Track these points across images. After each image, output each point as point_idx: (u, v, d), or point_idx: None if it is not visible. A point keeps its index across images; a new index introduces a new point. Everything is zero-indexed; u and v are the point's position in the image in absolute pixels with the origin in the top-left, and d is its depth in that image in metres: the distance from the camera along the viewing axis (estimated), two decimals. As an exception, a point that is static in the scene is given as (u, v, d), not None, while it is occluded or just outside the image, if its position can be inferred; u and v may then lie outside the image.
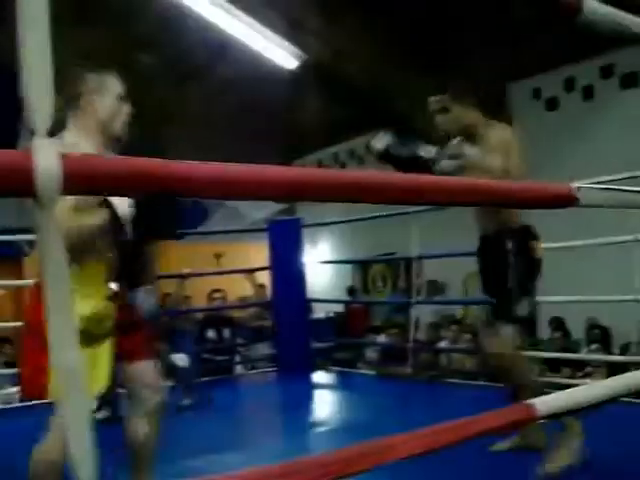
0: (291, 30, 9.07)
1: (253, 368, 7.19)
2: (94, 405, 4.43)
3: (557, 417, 1.45)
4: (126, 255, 2.45)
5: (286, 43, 9.39)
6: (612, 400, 1.59)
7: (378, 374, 6.53)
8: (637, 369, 1.99)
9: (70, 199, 2.06)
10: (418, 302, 6.60)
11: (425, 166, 2.94)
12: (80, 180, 0.88)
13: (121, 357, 2.45)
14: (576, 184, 1.51)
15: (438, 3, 8.06)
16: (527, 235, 3.18)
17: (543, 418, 1.42)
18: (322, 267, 11.34)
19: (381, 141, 3.00)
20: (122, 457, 2.52)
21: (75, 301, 2.20)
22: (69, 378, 0.92)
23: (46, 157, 0.85)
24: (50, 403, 2.08)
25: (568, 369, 5.92)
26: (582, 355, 6.05)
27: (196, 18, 9.05)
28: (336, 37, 8.95)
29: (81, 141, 2.30)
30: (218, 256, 8.83)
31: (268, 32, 9.24)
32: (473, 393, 5.38)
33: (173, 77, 10.48)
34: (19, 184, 0.84)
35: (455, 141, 3.32)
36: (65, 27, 8.85)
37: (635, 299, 4.72)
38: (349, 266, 12.18)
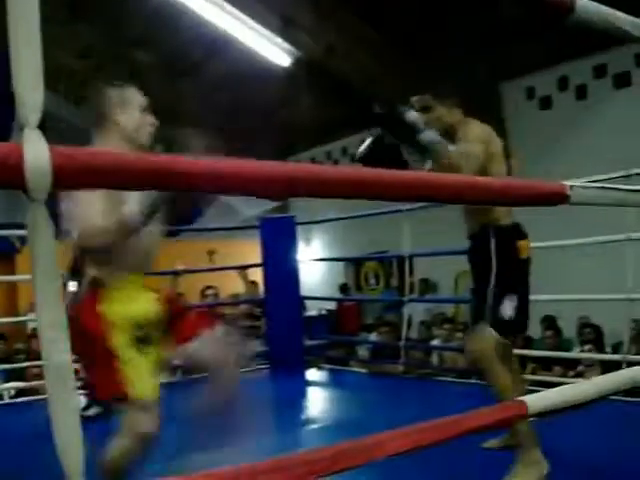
0: (284, 27, 9.06)
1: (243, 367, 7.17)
2: (83, 402, 4.42)
3: (547, 415, 1.45)
4: None
5: (279, 40, 9.37)
6: (602, 398, 1.60)
7: (370, 372, 6.53)
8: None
9: (97, 203, 2.15)
10: (411, 300, 6.60)
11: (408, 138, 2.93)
12: (71, 173, 0.87)
13: (180, 338, 2.51)
14: (568, 182, 1.52)
15: (431, 2, 8.06)
16: (513, 234, 3.15)
17: (533, 416, 1.42)
18: (315, 264, 11.34)
19: (361, 146, 3.02)
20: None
21: (125, 308, 2.22)
22: (58, 375, 0.92)
23: (36, 150, 0.84)
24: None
25: (560, 368, 5.94)
26: (574, 354, 6.07)
27: (190, 15, 9.03)
28: (329, 34, 8.94)
29: None
30: (211, 253, 8.81)
31: (261, 29, 9.23)
32: (465, 391, 5.38)
33: (166, 74, 10.46)
34: (9, 177, 0.84)
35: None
36: (60, 25, 8.87)
37: (627, 298, 4.74)
38: (342, 264, 12.18)
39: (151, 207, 2.15)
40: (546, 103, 8.93)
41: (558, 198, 1.45)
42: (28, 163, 0.83)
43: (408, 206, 5.64)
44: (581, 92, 8.50)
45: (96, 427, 2.26)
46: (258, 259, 6.70)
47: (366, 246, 10.40)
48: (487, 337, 3.00)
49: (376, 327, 8.05)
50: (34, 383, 5.70)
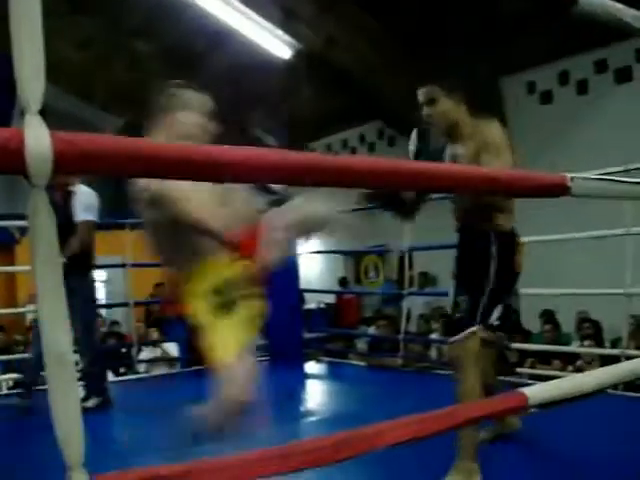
0: (285, 19, 9.04)
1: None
2: (82, 394, 4.43)
3: (548, 406, 1.45)
4: None
5: (280, 32, 9.35)
6: (601, 390, 1.60)
7: (369, 365, 6.54)
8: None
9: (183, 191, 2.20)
10: (410, 293, 6.60)
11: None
12: (71, 159, 0.87)
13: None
14: (569, 174, 1.51)
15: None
16: (513, 243, 3.14)
17: (534, 407, 1.42)
18: (314, 258, 11.34)
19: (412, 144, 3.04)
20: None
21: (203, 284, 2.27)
22: (59, 362, 0.92)
23: (37, 135, 0.84)
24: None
25: (558, 362, 5.94)
26: (573, 348, 6.08)
27: (191, 6, 9.00)
28: (329, 26, 8.92)
29: None
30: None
31: (262, 21, 9.20)
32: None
33: (166, 65, 10.44)
34: (10, 162, 0.84)
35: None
36: (60, 16, 8.85)
37: (626, 293, 4.73)
38: (341, 257, 12.17)
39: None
40: (547, 98, 8.92)
41: (559, 189, 1.45)
42: (29, 148, 0.83)
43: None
44: (582, 87, 8.49)
45: (97, 418, 2.27)
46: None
47: (366, 239, 10.38)
48: (474, 337, 2.97)
49: (375, 320, 8.06)
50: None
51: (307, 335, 6.93)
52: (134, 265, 6.30)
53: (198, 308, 2.35)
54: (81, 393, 4.40)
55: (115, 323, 9.09)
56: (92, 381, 4.63)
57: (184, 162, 0.98)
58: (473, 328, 2.96)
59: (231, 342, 2.35)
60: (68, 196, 4.48)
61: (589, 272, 7.10)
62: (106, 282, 12.68)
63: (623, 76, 8.06)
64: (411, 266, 6.72)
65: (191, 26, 9.45)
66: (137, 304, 7.09)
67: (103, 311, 10.45)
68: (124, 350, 7.07)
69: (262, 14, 9.08)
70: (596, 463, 2.96)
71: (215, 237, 2.30)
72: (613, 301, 4.97)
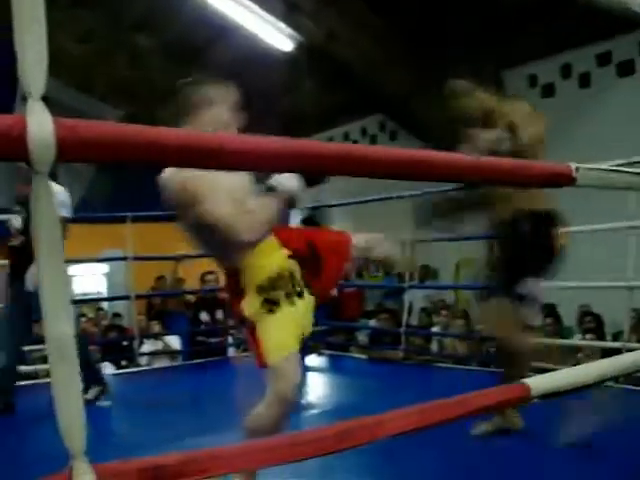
0: (287, 12, 9.02)
1: (246, 350, 7.19)
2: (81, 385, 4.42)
3: (551, 397, 1.44)
4: None
5: (282, 25, 9.32)
6: (603, 381, 1.60)
7: (370, 358, 6.54)
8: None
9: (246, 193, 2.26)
10: (411, 287, 6.60)
11: None
12: (74, 146, 0.86)
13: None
14: (574, 164, 1.51)
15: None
16: (548, 220, 3.16)
17: (537, 398, 1.42)
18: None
19: None
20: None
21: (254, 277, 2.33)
22: (59, 348, 0.91)
23: (39, 122, 0.84)
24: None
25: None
26: (574, 341, 6.08)
27: (192, -1, 8.98)
28: (331, 19, 8.90)
29: None
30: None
31: (264, 13, 9.17)
32: (465, 377, 5.40)
33: (168, 59, 10.43)
34: (12, 149, 0.83)
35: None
36: (60, 9, 8.83)
37: (627, 286, 4.73)
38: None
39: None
40: (549, 91, 8.89)
41: (564, 179, 1.45)
42: (32, 134, 0.83)
43: (411, 192, 5.62)
44: (584, 80, 8.46)
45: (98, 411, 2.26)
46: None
47: (367, 232, 10.38)
48: (502, 308, 3.03)
49: (376, 314, 8.06)
50: (35, 367, 5.72)
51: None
52: (135, 258, 6.31)
53: (249, 303, 2.36)
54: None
55: (117, 316, 9.10)
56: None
57: (187, 149, 0.98)
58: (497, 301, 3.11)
59: (283, 338, 2.38)
60: None
61: (591, 265, 7.10)
62: (107, 275, 12.71)
63: (626, 69, 8.04)
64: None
65: (192, 19, 9.43)
66: (138, 297, 7.09)
67: (105, 304, 10.48)
68: (125, 343, 7.08)
69: (264, 7, 9.05)
70: (597, 456, 2.96)
71: (240, 240, 2.29)
72: (615, 295, 4.97)
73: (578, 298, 7.09)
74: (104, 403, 4.55)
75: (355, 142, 11.57)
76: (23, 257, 4.27)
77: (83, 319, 8.57)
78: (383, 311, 7.93)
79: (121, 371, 6.34)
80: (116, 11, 9.62)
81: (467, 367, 5.91)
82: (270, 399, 2.31)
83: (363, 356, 6.71)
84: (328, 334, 7.75)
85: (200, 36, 9.87)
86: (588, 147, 7.49)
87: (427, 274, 10.02)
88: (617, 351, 4.63)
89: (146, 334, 7.00)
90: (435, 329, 7.32)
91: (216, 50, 9.83)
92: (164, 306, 8.21)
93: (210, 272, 7.53)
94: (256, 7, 9.04)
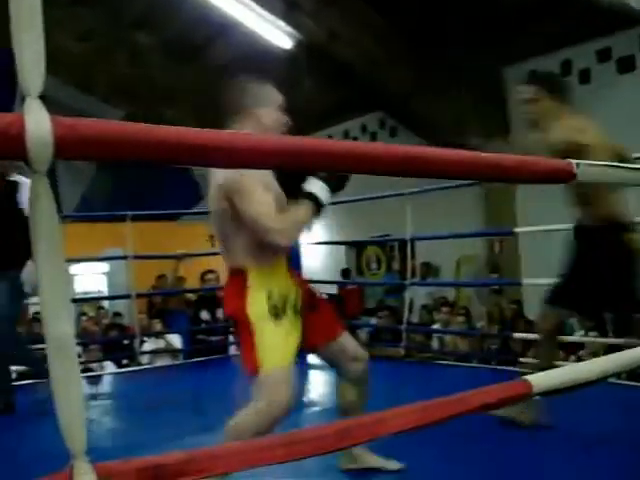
0: (287, 10, 9.01)
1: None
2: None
3: (552, 394, 1.44)
4: None
5: (282, 23, 9.31)
6: (605, 378, 1.59)
7: (371, 355, 6.52)
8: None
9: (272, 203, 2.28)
10: (413, 284, 6.59)
11: None
12: (73, 144, 0.86)
13: (319, 338, 2.62)
14: (574, 161, 1.50)
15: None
16: (623, 229, 3.19)
17: (538, 394, 1.42)
18: (316, 248, 11.33)
19: None
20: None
21: (265, 287, 2.34)
22: (61, 350, 0.91)
23: (37, 120, 0.83)
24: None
25: (561, 352, 5.94)
26: (575, 337, 6.07)
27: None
28: (332, 18, 8.89)
29: None
30: (212, 237, 8.83)
31: (263, 12, 9.16)
32: (466, 374, 5.40)
33: (168, 57, 10.43)
34: (10, 147, 0.83)
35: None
36: (60, 8, 8.82)
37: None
38: (343, 248, 12.17)
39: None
40: (549, 87, 8.87)
41: (565, 175, 1.44)
42: (30, 133, 0.82)
43: (411, 189, 5.62)
44: (584, 76, 8.45)
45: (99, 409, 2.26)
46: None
47: (367, 230, 10.39)
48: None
49: (377, 311, 8.07)
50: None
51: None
52: (136, 257, 6.31)
53: (255, 304, 2.35)
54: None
55: (117, 315, 9.11)
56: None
57: (188, 147, 0.97)
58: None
59: (283, 349, 2.37)
60: (10, 186, 4.35)
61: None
62: (108, 274, 12.72)
63: (626, 65, 8.03)
64: (413, 256, 6.71)
65: (192, 17, 9.43)
66: (139, 296, 7.09)
67: (105, 303, 10.49)
68: (126, 342, 7.08)
69: (264, 5, 9.05)
70: (598, 453, 2.96)
71: (271, 241, 2.31)
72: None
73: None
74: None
75: (355, 139, 11.57)
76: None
77: (84, 318, 8.60)
78: (384, 308, 7.94)
79: (122, 370, 6.34)
80: (116, 9, 9.62)
81: (468, 364, 5.91)
82: (259, 408, 2.30)
83: (364, 353, 6.71)
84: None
85: (200, 34, 9.87)
86: (588, 143, 7.48)
87: (428, 271, 10.03)
88: (618, 347, 4.63)
89: (147, 333, 7.00)
90: (436, 326, 7.33)
91: (216, 48, 9.83)
92: (165, 305, 8.21)
93: (210, 271, 7.53)
94: (256, 5, 9.03)
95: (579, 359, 5.61)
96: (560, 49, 8.46)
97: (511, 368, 5.28)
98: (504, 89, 9.28)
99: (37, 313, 7.48)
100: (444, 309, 7.38)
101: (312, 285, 2.85)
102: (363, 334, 8.02)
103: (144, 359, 6.58)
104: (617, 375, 2.61)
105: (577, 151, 2.98)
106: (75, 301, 10.03)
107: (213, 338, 7.17)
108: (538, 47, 8.41)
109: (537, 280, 6.69)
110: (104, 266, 12.74)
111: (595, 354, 5.52)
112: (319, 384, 5.68)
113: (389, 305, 8.80)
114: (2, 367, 4.48)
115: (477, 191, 8.84)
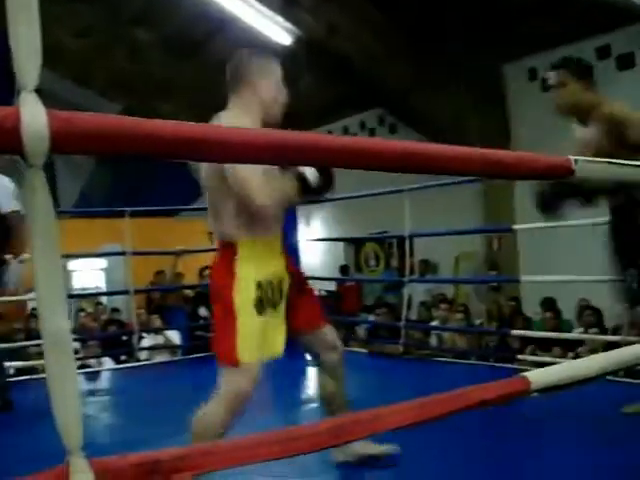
0: (286, 6, 9.00)
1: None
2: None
3: (551, 391, 1.44)
4: None
5: (280, 19, 9.30)
6: (604, 375, 1.59)
7: (369, 352, 6.54)
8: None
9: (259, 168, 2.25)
10: (412, 280, 6.59)
11: None
12: (69, 138, 0.86)
13: (301, 323, 2.62)
14: (573, 157, 1.50)
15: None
16: None
17: (536, 391, 1.42)
18: (315, 245, 11.34)
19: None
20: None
21: (253, 270, 2.33)
22: (57, 346, 0.91)
23: (33, 113, 0.83)
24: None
25: (559, 349, 5.95)
26: (574, 335, 6.08)
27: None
28: (330, 13, 8.88)
29: (242, 121, 2.38)
30: (211, 233, 8.82)
31: (262, 7, 9.15)
32: (464, 371, 5.40)
33: (166, 53, 10.41)
34: (6, 141, 0.82)
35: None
36: (59, 4, 8.81)
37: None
38: (341, 244, 12.18)
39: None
40: (548, 84, 8.86)
41: (564, 171, 1.44)
42: (25, 126, 0.82)
43: (409, 185, 5.62)
44: (584, 73, 8.44)
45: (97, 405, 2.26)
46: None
47: (366, 226, 10.40)
48: None
49: (375, 308, 8.07)
50: (33, 362, 5.72)
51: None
52: (134, 253, 6.30)
53: (243, 293, 2.34)
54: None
55: (115, 310, 9.11)
56: None
57: (185, 141, 0.97)
58: None
59: (259, 344, 2.37)
60: None
61: (590, 259, 7.09)
62: (106, 270, 12.72)
63: (626, 62, 8.03)
64: (412, 253, 6.71)
65: (191, 13, 9.42)
66: (137, 292, 7.09)
67: (104, 299, 10.48)
68: (125, 338, 7.08)
69: (263, 1, 9.04)
70: (596, 451, 2.97)
71: (255, 205, 2.31)
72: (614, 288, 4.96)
73: (577, 292, 7.09)
74: None
75: (354, 136, 11.56)
76: None
77: (82, 314, 8.59)
78: (382, 305, 7.94)
79: (120, 366, 6.34)
80: (115, 5, 9.60)
81: (466, 361, 5.92)
82: (224, 395, 2.31)
83: (363, 350, 6.71)
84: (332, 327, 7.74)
85: (199, 30, 9.86)
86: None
87: (427, 268, 10.03)
88: (617, 345, 4.63)
89: (146, 329, 7.00)
90: (434, 323, 7.33)
91: (215, 44, 9.81)
92: (163, 301, 8.21)
93: (209, 267, 7.52)
94: (254, 1, 9.02)
95: (577, 356, 5.61)
96: (559, 46, 8.44)
97: (509, 365, 5.28)
98: (503, 86, 9.28)
99: (35, 309, 7.48)
100: (443, 306, 7.38)
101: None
102: (361, 331, 8.03)
103: (142, 355, 6.58)
104: (615, 372, 2.61)
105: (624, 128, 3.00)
106: (73, 297, 10.06)
107: (211, 334, 7.17)
108: (537, 44, 8.41)
109: (535, 277, 6.70)
110: (102, 262, 12.74)
111: (594, 351, 5.52)
112: (316, 381, 5.68)
113: (387, 302, 8.81)
114: None
115: (476, 188, 8.85)
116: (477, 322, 7.75)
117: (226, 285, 2.36)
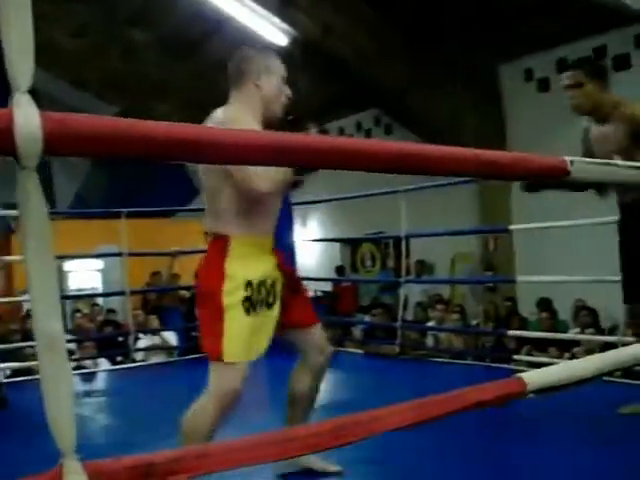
0: (281, 6, 8.99)
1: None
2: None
3: (547, 391, 1.44)
4: None
5: (276, 20, 9.29)
6: (599, 376, 1.59)
7: (365, 353, 6.54)
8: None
9: None
10: (408, 281, 6.59)
11: None
12: (62, 139, 0.85)
13: (293, 321, 2.62)
14: (569, 157, 1.50)
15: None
16: None
17: (532, 392, 1.41)
18: (311, 246, 11.33)
19: None
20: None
21: (244, 269, 2.31)
22: (50, 347, 0.90)
23: (26, 115, 0.82)
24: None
25: (554, 349, 5.95)
26: (570, 335, 6.08)
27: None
28: (326, 14, 8.87)
29: (242, 116, 2.41)
30: (207, 234, 8.80)
31: (258, 8, 9.14)
32: (461, 371, 5.40)
33: (162, 53, 10.40)
34: (-1, 142, 0.82)
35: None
36: (55, 4, 8.79)
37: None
38: (338, 245, 12.17)
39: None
40: (544, 85, 8.88)
41: (559, 172, 1.44)
42: (18, 128, 0.81)
43: (405, 186, 5.62)
44: (580, 74, 8.44)
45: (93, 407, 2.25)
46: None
47: (362, 227, 10.40)
48: None
49: (371, 309, 8.07)
50: (29, 363, 5.71)
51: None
52: (130, 254, 6.29)
53: (232, 292, 2.34)
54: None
55: (111, 311, 9.08)
56: None
57: (179, 143, 0.96)
58: None
59: (247, 343, 2.36)
60: None
61: (586, 259, 7.10)
62: (102, 271, 12.69)
63: (621, 63, 8.03)
64: (408, 254, 6.71)
65: (188, 13, 9.40)
66: (133, 293, 7.08)
67: (100, 300, 10.46)
68: (121, 339, 7.06)
69: (259, 2, 9.03)
70: (594, 451, 2.97)
71: (251, 189, 2.30)
72: (610, 288, 4.96)
73: (573, 292, 7.10)
74: None
75: (350, 137, 11.55)
76: None
77: (78, 314, 8.57)
78: (378, 306, 7.94)
79: (116, 367, 6.32)
80: (111, 5, 9.58)
81: (463, 361, 5.92)
82: (213, 393, 2.32)
83: (359, 351, 6.71)
84: (324, 329, 7.73)
85: (195, 30, 9.84)
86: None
87: (423, 268, 10.03)
88: (613, 345, 4.63)
89: (142, 330, 6.99)
90: (430, 324, 7.32)
91: (211, 44, 9.80)
92: (159, 301, 8.19)
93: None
94: (251, 2, 9.01)
95: (573, 356, 5.61)
96: (556, 47, 8.45)
97: (505, 366, 5.29)
98: (499, 86, 9.29)
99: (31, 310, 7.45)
100: (439, 306, 7.37)
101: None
102: (357, 331, 8.03)
103: (139, 356, 6.57)
104: (611, 373, 2.62)
105: None
106: (69, 298, 10.04)
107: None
108: (534, 45, 8.42)
109: (531, 277, 6.70)
110: (99, 263, 12.70)
111: (590, 352, 5.52)
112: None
113: (384, 302, 8.80)
114: None
115: (472, 189, 8.86)
116: (473, 322, 7.75)
117: (215, 282, 2.35)
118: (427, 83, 8.99)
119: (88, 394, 5.13)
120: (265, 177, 2.26)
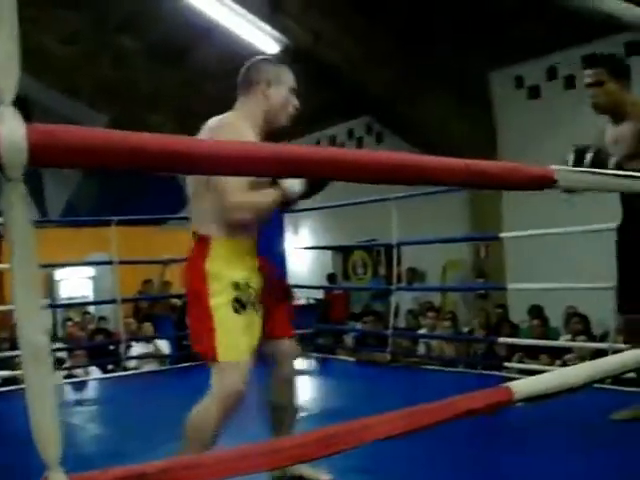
0: (272, 14, 9.00)
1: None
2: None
3: (535, 400, 1.44)
4: None
5: (267, 27, 9.30)
6: (590, 384, 1.59)
7: (357, 360, 6.53)
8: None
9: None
10: (399, 288, 6.59)
11: None
12: (48, 151, 0.85)
13: (272, 330, 2.62)
14: (556, 167, 1.50)
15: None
16: None
17: (520, 401, 1.41)
18: (303, 253, 11.32)
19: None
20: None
21: (228, 269, 2.31)
22: (35, 358, 0.90)
23: (11, 127, 0.82)
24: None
25: (546, 356, 5.95)
26: (561, 342, 6.09)
27: (177, 1, 8.92)
28: (317, 21, 8.89)
29: (238, 123, 2.42)
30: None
31: (249, 15, 9.14)
32: (452, 379, 5.40)
33: (152, 60, 10.39)
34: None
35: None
36: (44, 11, 8.78)
37: (614, 287, 4.73)
38: (329, 253, 12.16)
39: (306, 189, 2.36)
40: (535, 93, 8.92)
41: (546, 182, 1.44)
42: (3, 139, 0.81)
43: (396, 194, 5.63)
44: (570, 82, 8.47)
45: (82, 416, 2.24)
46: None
47: (354, 235, 10.39)
48: None
49: (362, 316, 8.07)
50: (18, 372, 5.68)
51: (296, 331, 6.91)
52: (121, 262, 6.28)
53: (218, 299, 2.33)
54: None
55: (102, 319, 9.06)
56: None
57: (169, 155, 0.96)
58: None
59: (240, 343, 2.36)
60: None
61: (577, 266, 7.12)
62: (94, 279, 12.65)
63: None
64: (399, 261, 6.71)
65: (177, 21, 9.40)
66: (125, 301, 7.06)
67: (91, 308, 10.42)
68: (112, 347, 7.04)
69: (249, 8, 9.03)
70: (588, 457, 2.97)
71: (226, 201, 2.29)
72: (601, 295, 4.97)
73: (564, 299, 7.11)
74: None
75: (342, 144, 11.56)
76: None
77: (69, 323, 8.54)
78: (370, 313, 7.94)
79: (108, 375, 6.30)
80: (101, 12, 9.58)
81: (454, 369, 5.92)
82: (215, 396, 2.31)
83: (350, 358, 6.70)
84: (315, 337, 7.73)
85: (185, 38, 9.84)
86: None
87: (414, 276, 10.04)
88: (604, 352, 4.63)
89: (133, 338, 6.96)
90: (422, 331, 7.33)
91: (201, 52, 9.80)
92: (151, 309, 8.17)
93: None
94: (241, 9, 9.01)
95: (564, 363, 5.62)
96: (546, 54, 8.49)
97: (496, 373, 5.29)
98: (490, 93, 9.32)
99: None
100: (430, 314, 7.38)
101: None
102: (349, 339, 8.02)
103: (131, 364, 6.55)
104: (602, 380, 2.62)
105: None
106: (60, 306, 9.99)
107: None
108: (524, 52, 8.45)
109: (522, 285, 6.71)
110: (90, 271, 12.67)
111: (581, 359, 5.53)
112: (305, 389, 5.67)
113: (375, 310, 8.81)
114: None
115: (463, 196, 8.87)
116: (465, 330, 7.76)
117: (199, 282, 2.36)
118: (418, 90, 9.01)
119: (79, 403, 5.11)
120: (242, 209, 2.30)
